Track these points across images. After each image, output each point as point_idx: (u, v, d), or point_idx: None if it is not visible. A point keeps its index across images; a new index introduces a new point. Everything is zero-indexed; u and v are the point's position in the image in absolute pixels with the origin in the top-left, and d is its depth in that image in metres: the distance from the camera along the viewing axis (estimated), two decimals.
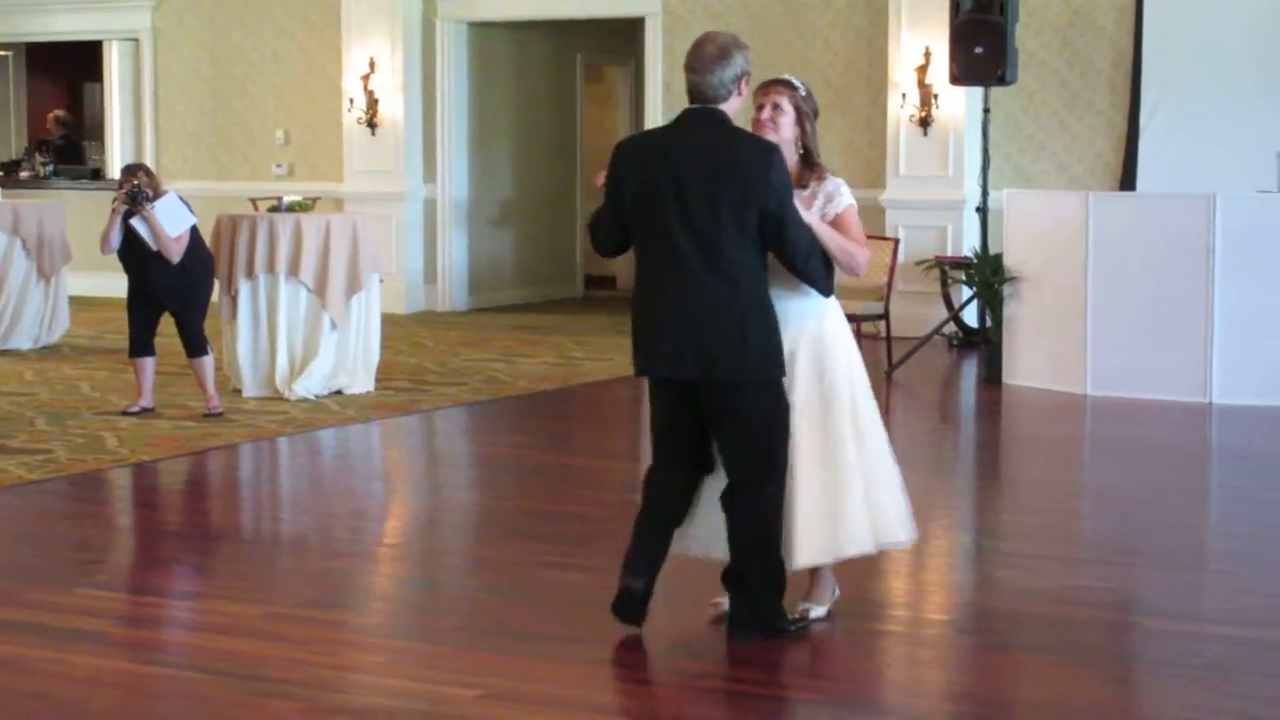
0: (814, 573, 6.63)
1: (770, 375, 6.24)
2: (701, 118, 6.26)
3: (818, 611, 6.64)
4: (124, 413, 11.16)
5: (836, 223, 6.42)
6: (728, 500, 6.33)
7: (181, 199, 11.14)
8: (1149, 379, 12.04)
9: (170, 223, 10.99)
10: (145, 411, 11.18)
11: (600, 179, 6.39)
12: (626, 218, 6.29)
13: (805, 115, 6.53)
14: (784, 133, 6.48)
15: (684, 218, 6.12)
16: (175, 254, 11.01)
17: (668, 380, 6.33)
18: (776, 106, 6.50)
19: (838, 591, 6.75)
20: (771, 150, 6.20)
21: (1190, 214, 12.00)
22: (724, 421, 6.26)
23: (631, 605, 6.41)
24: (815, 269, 6.29)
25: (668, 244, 6.16)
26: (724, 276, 6.13)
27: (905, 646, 6.56)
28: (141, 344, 11.28)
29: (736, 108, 6.31)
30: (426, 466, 10.65)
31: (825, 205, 6.45)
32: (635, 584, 6.39)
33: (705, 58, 6.28)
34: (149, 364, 11.32)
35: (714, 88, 6.25)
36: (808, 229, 6.25)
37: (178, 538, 8.35)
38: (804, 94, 6.57)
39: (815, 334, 6.42)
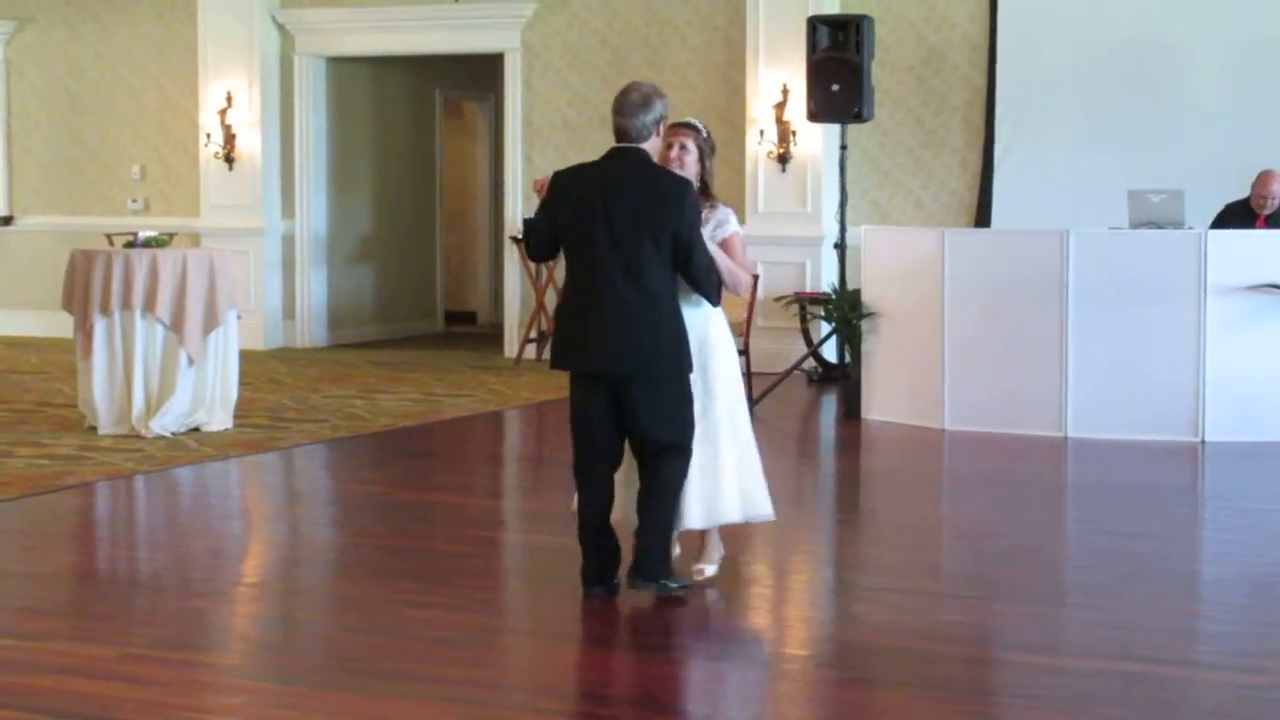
0: (704, 535, 7.77)
1: (682, 370, 7.34)
2: (628, 156, 7.34)
3: (710, 569, 7.74)
4: None
5: (724, 245, 7.59)
6: (645, 472, 7.36)
7: None
8: (1006, 414, 12.17)
9: None
10: None
11: (539, 183, 7.57)
12: (560, 233, 7.37)
13: (705, 153, 7.71)
14: (688, 169, 7.59)
15: (611, 239, 7.21)
16: None
17: (591, 377, 7.34)
18: (683, 147, 7.63)
19: (723, 552, 7.84)
20: (687, 186, 7.32)
21: (1044, 250, 12.14)
22: (644, 410, 7.28)
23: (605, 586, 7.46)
24: (711, 285, 7.39)
25: (597, 261, 7.24)
26: (643, 290, 7.22)
27: (766, 682, 6.57)
28: None
29: (655, 146, 7.44)
30: (285, 504, 10.56)
31: (715, 229, 7.59)
32: (597, 591, 7.41)
33: (631, 104, 7.34)
34: None
35: (637, 130, 7.33)
36: (708, 253, 7.36)
37: (29, 578, 8.20)
38: (704, 135, 7.73)
39: (702, 336, 7.52)
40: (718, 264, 7.45)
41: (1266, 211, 12.82)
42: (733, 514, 7.63)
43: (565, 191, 7.38)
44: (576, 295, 7.39)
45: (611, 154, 7.40)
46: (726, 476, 7.55)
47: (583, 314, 7.34)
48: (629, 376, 7.28)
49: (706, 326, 7.56)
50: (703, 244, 7.32)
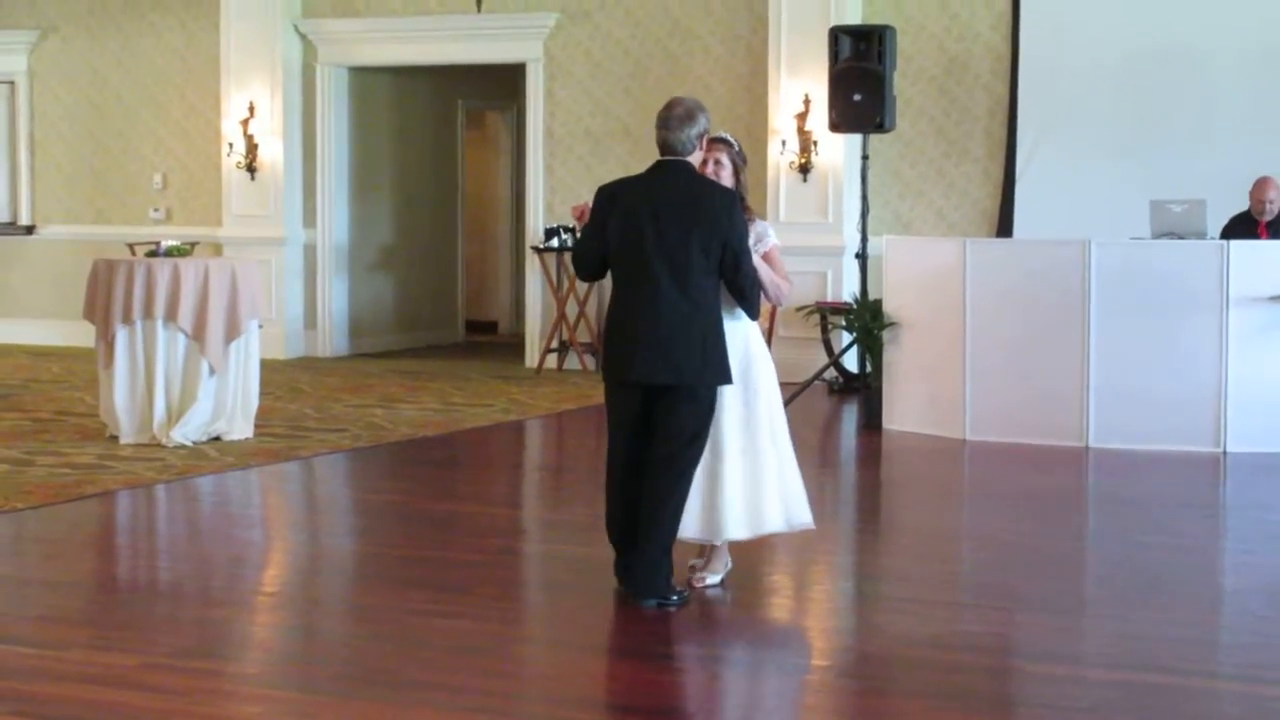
0: (712, 547, 7.78)
1: (720, 382, 7.44)
2: (674, 168, 7.48)
3: (713, 579, 7.78)
4: None
5: (765, 258, 7.71)
6: (648, 486, 7.40)
7: None
8: (1027, 424, 12.15)
9: None
10: None
11: (577, 210, 7.43)
12: (609, 249, 7.48)
13: (739, 167, 7.85)
14: (724, 183, 7.67)
15: (660, 249, 7.33)
16: None
17: (633, 385, 7.42)
18: (718, 162, 7.75)
19: (730, 564, 7.86)
20: (734, 197, 7.50)
21: (1066, 260, 12.13)
22: (670, 419, 7.37)
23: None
24: (755, 296, 7.52)
25: (645, 271, 7.36)
26: (690, 299, 7.34)
27: (787, 692, 6.56)
28: None
29: (698, 160, 7.58)
30: (306, 513, 10.57)
31: (756, 243, 7.69)
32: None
33: (676, 118, 7.48)
34: None
35: (682, 143, 7.48)
36: (753, 264, 7.49)
37: (50, 587, 8.22)
38: (737, 149, 7.88)
39: (743, 348, 7.62)
40: (761, 275, 7.57)
41: (1266, 218, 12.75)
42: (776, 524, 7.71)
43: (612, 203, 7.51)
44: (622, 304, 7.51)
45: (657, 166, 7.53)
46: (769, 488, 7.65)
47: (629, 324, 7.44)
48: (668, 384, 7.37)
49: (747, 339, 7.65)
50: (750, 254, 7.47)
